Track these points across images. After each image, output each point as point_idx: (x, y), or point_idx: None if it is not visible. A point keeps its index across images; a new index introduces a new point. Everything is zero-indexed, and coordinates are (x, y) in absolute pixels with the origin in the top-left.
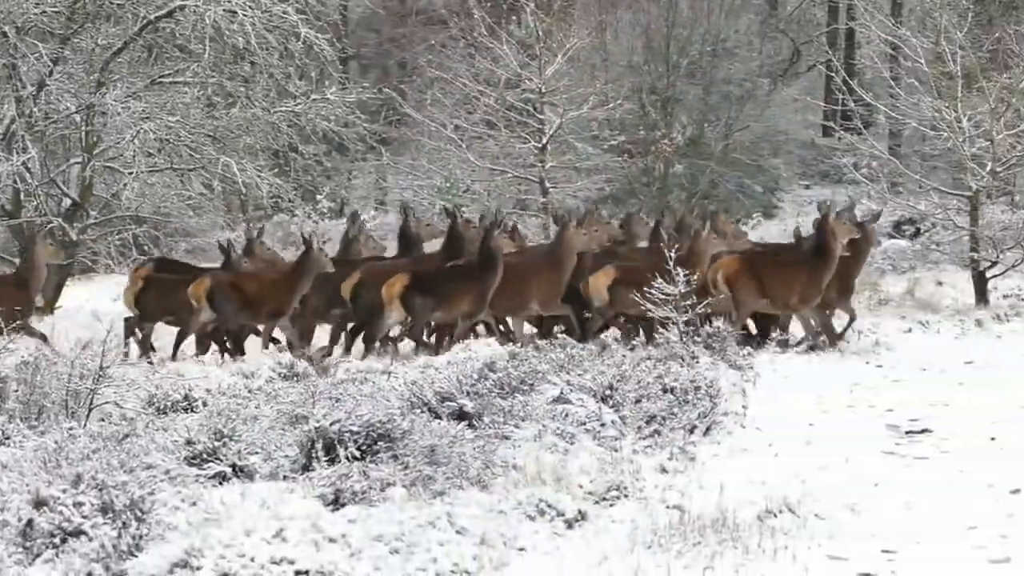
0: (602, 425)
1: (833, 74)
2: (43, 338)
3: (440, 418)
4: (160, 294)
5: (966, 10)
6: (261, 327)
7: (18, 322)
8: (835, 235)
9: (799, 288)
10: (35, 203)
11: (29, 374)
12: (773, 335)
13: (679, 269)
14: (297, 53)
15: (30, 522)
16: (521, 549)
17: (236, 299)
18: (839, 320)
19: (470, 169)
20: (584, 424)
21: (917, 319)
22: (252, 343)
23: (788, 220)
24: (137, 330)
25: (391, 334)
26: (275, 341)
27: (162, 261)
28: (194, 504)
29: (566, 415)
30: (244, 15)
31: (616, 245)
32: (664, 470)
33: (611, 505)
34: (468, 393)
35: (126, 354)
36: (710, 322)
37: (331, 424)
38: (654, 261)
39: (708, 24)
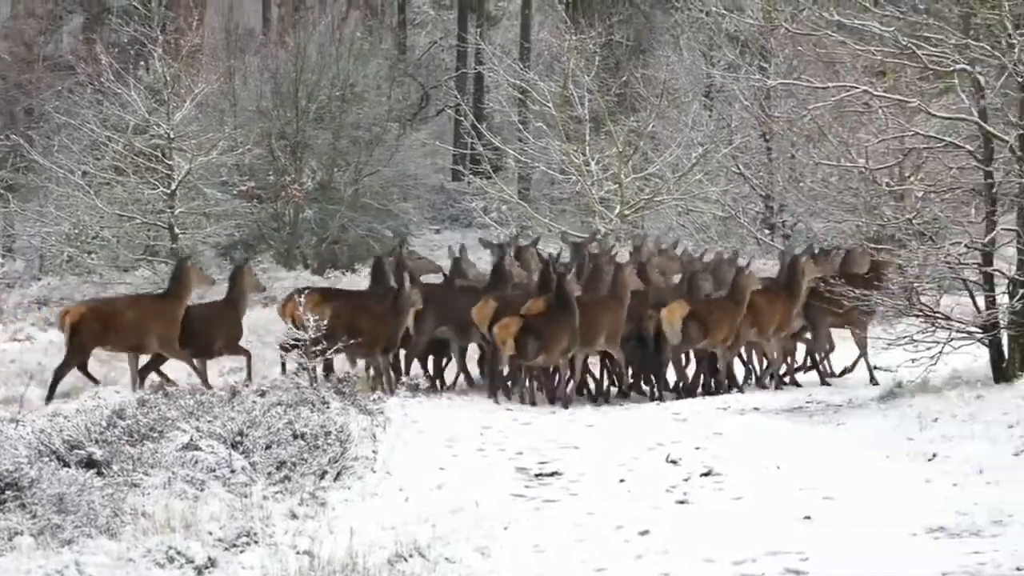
0: (232, 471)
1: (462, 119)
2: (248, 355)
3: (69, 466)
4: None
5: (593, 55)
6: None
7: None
8: (803, 273)
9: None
10: None
11: None
12: None
13: (309, 315)
14: None
15: None
16: None
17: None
18: None
19: (99, 215)
20: (214, 471)
21: None
22: None
23: None
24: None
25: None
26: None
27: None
28: None
29: (196, 462)
30: None
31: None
32: (294, 516)
33: (241, 551)
34: (97, 441)
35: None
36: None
37: None
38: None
39: (337, 69)
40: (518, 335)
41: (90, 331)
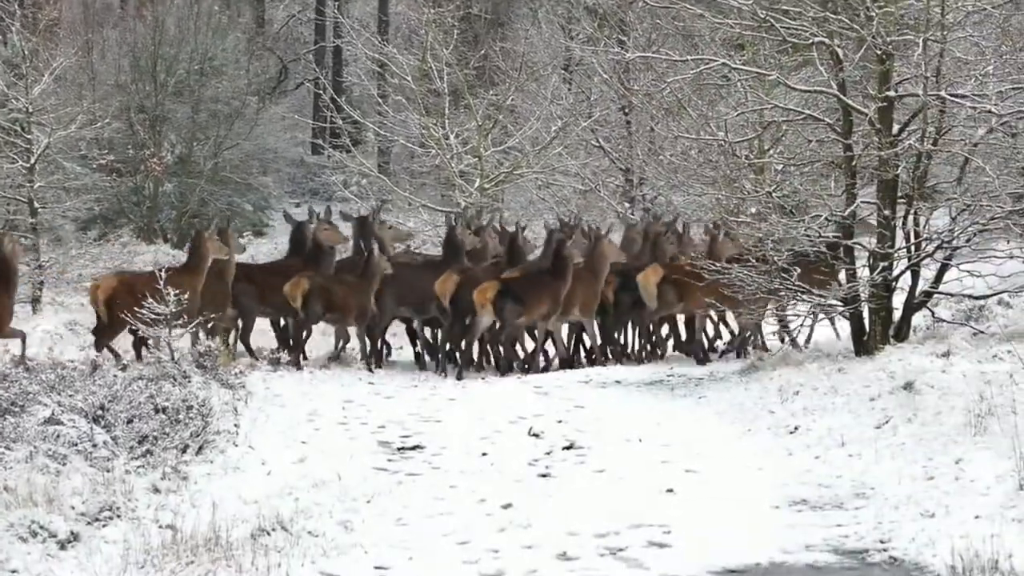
0: (94, 446)
1: (321, 92)
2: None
3: None
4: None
5: (452, 28)
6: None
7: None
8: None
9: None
10: None
11: None
12: None
13: (170, 288)
14: None
15: None
16: (13, 571)
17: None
18: None
19: None
20: (76, 445)
21: None
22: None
23: (279, 238)
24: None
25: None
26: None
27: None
28: None
29: (58, 436)
30: None
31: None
32: (157, 490)
33: (104, 526)
34: None
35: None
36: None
37: None
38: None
39: (195, 43)
40: (496, 299)
41: (124, 304)
